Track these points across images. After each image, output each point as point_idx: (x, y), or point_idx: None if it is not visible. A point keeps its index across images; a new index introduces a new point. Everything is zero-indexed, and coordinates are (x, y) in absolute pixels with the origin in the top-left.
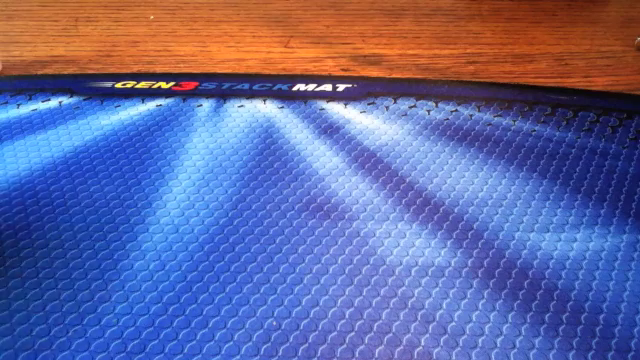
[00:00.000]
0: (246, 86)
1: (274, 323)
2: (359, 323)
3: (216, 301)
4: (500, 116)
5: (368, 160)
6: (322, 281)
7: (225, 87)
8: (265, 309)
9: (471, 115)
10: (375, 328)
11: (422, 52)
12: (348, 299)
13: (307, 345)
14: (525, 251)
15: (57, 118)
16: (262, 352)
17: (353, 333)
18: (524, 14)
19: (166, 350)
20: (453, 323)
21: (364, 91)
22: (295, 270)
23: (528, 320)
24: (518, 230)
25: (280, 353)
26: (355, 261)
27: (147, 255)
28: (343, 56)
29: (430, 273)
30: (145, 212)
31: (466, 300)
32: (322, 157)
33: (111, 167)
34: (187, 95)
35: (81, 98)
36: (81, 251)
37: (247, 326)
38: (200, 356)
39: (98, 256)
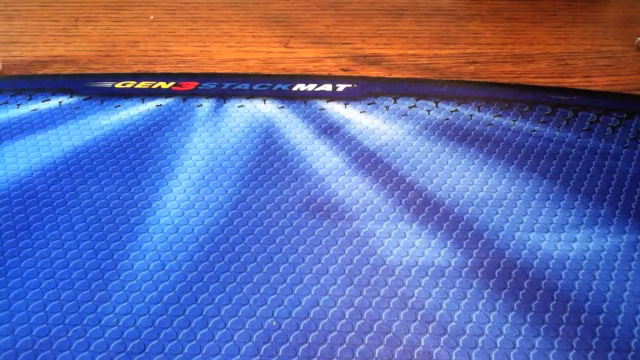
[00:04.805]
0: (246, 86)
1: (274, 323)
2: (359, 323)
3: (216, 301)
4: (500, 116)
5: (368, 160)
6: (322, 281)
7: (225, 87)
8: (265, 309)
9: (471, 115)
10: (375, 328)
11: (422, 52)
12: (348, 299)
13: (307, 345)
14: (525, 251)
15: (57, 118)
16: (262, 352)
17: (353, 333)
18: (524, 14)
19: (166, 350)
20: (453, 323)
21: (364, 91)
22: (295, 270)
23: (528, 320)
24: (518, 230)
25: (280, 353)
26: (355, 261)
27: (147, 255)
28: (343, 56)
29: (430, 273)
30: (145, 212)
31: (466, 300)
32: (322, 157)
33: (111, 167)
34: (187, 95)
35: (81, 98)
36: (81, 251)
37: (247, 326)
38: (200, 356)
39: (98, 256)
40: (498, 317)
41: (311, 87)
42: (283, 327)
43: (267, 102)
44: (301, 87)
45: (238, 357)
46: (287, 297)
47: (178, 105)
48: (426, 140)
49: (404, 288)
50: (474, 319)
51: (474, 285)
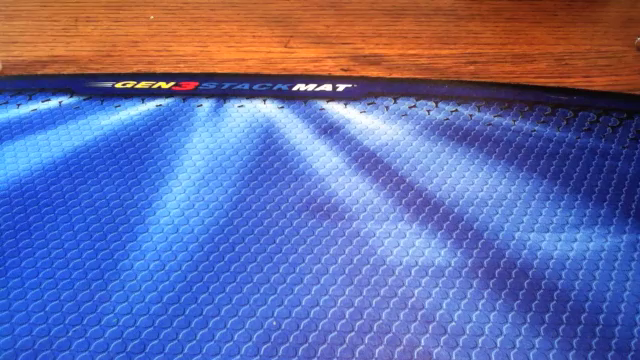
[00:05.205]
0: (246, 86)
1: (274, 323)
2: (359, 323)
3: (216, 301)
4: (500, 116)
5: (368, 160)
6: (322, 281)
7: (225, 87)
8: (265, 309)
9: (471, 115)
10: (375, 328)
11: (422, 52)
12: (348, 299)
13: (307, 345)
14: (525, 251)
15: (57, 118)
16: (262, 352)
17: (353, 333)
18: (524, 14)
19: (166, 350)
20: (453, 323)
21: (364, 91)
22: (295, 270)
23: (528, 320)
24: (518, 230)
25: (280, 353)
26: (355, 261)
27: (147, 255)
28: (343, 56)
29: (430, 273)
30: (145, 212)
31: (466, 300)
32: (322, 157)
33: (111, 167)
34: (187, 95)
35: (81, 98)
36: (81, 251)
37: (247, 326)
38: (200, 356)
39: (98, 256)
40: (498, 317)
41: (311, 87)
42: (283, 327)
43: (267, 102)
44: (301, 87)
45: (238, 357)
46: (287, 297)
47: (178, 105)
48: (426, 140)
49: (404, 288)
50: (474, 319)
51: (474, 285)
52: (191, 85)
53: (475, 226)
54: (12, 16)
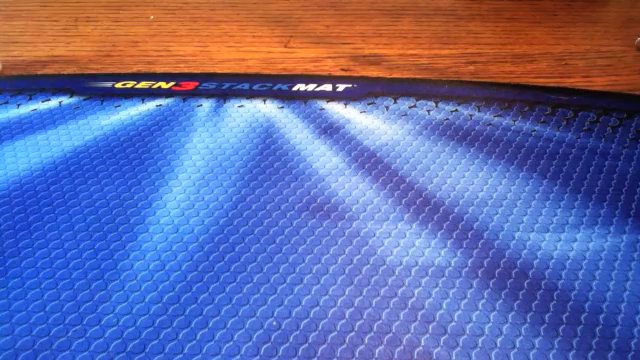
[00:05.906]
0: (246, 86)
1: (274, 323)
2: (359, 323)
3: (216, 301)
4: (500, 116)
5: (368, 160)
6: (322, 281)
7: (225, 87)
8: (265, 309)
9: (471, 115)
10: (375, 328)
11: (422, 52)
12: (348, 299)
13: (307, 345)
14: (525, 251)
15: (57, 118)
16: (262, 352)
17: (353, 333)
18: (524, 14)
19: (166, 350)
20: (453, 323)
21: (364, 91)
22: (295, 270)
23: (528, 320)
24: (518, 230)
25: (280, 353)
26: (355, 261)
27: (147, 255)
28: (343, 56)
29: (430, 273)
30: (145, 212)
31: (466, 300)
32: (322, 157)
33: (111, 167)
34: (187, 95)
35: (81, 98)
36: (81, 251)
37: (247, 326)
38: (200, 356)
39: (98, 256)
40: (498, 317)
41: (311, 87)
42: (283, 327)
43: (267, 102)
44: (301, 87)
45: (238, 357)
46: (287, 297)
47: (178, 105)
48: (426, 140)
49: (404, 288)
50: (474, 319)
51: (474, 285)
52: (191, 85)
53: (475, 226)
54: (12, 16)
